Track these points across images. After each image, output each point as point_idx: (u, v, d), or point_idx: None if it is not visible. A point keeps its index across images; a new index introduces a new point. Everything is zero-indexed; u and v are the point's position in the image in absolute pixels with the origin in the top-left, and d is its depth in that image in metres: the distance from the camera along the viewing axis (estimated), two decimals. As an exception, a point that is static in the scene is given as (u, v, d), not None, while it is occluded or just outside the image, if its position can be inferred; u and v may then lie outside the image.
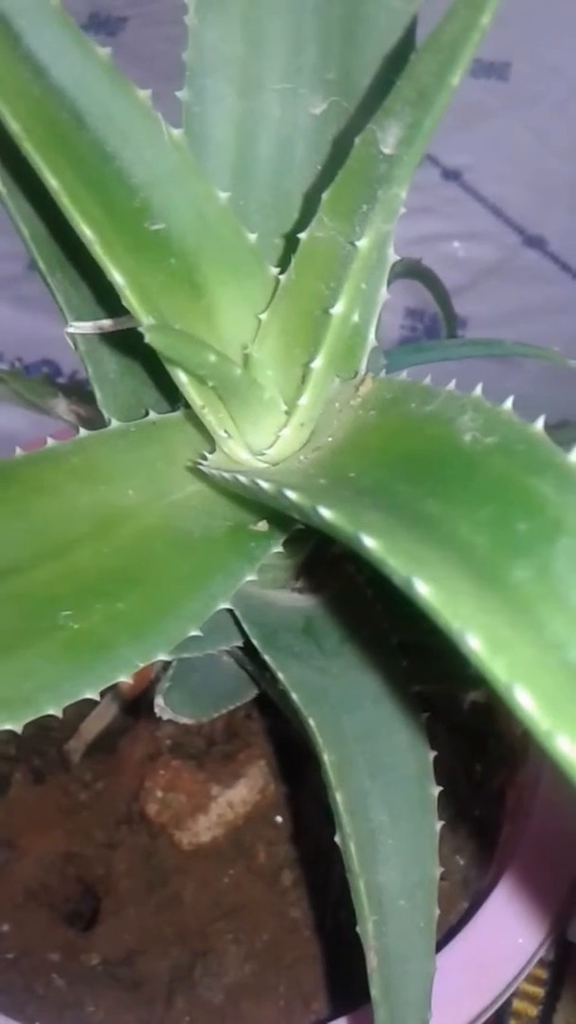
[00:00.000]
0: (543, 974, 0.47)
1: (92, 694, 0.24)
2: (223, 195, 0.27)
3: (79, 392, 0.44)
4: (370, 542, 0.18)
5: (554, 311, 0.86)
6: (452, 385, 0.25)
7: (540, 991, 0.47)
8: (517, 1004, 0.48)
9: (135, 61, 0.68)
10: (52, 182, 0.23)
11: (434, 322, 0.87)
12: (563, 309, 0.86)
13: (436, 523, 0.19)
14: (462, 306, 0.80)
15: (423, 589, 0.17)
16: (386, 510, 0.20)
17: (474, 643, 0.16)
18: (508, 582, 0.17)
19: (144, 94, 0.25)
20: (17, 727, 0.23)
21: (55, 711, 0.24)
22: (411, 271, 0.51)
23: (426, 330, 0.87)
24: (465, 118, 0.93)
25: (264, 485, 0.22)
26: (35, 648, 0.24)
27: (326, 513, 0.19)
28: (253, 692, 0.39)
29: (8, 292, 0.86)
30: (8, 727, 0.23)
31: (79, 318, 0.30)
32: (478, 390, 0.23)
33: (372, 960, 0.27)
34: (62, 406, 0.42)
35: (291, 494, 0.21)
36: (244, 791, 0.45)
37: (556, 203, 0.93)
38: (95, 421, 0.37)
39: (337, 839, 0.29)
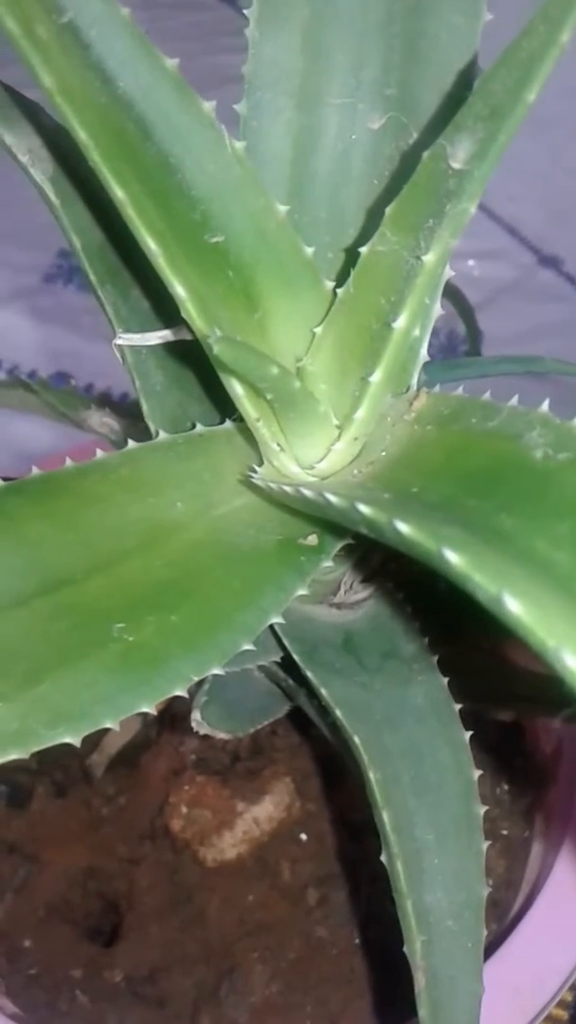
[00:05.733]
0: (568, 996, 0.46)
1: (149, 708, 0.24)
2: (282, 208, 0.27)
3: (108, 404, 0.44)
4: (454, 558, 0.18)
5: (569, 330, 0.86)
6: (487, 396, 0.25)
7: (565, 1014, 0.46)
8: (541, 1027, 0.47)
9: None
10: (118, 193, 0.23)
11: (450, 339, 0.87)
12: (579, 329, 0.86)
13: (512, 539, 0.19)
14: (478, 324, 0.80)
15: (514, 606, 0.16)
16: (460, 526, 0.20)
17: (571, 661, 0.16)
18: (597, 599, 0.17)
19: (209, 106, 0.25)
20: (76, 740, 0.23)
21: (113, 724, 0.23)
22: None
23: (441, 347, 0.87)
24: (481, 138, 0.93)
25: (333, 499, 0.22)
26: (90, 660, 0.24)
27: (403, 528, 0.19)
28: (286, 707, 0.39)
29: (25, 304, 0.86)
30: (68, 740, 0.23)
31: (127, 330, 0.30)
32: (545, 406, 0.22)
33: (420, 981, 0.27)
34: (95, 418, 0.41)
35: (364, 509, 0.21)
36: (270, 808, 0.45)
37: (572, 223, 0.93)
38: (129, 434, 0.36)
39: (383, 858, 0.29)
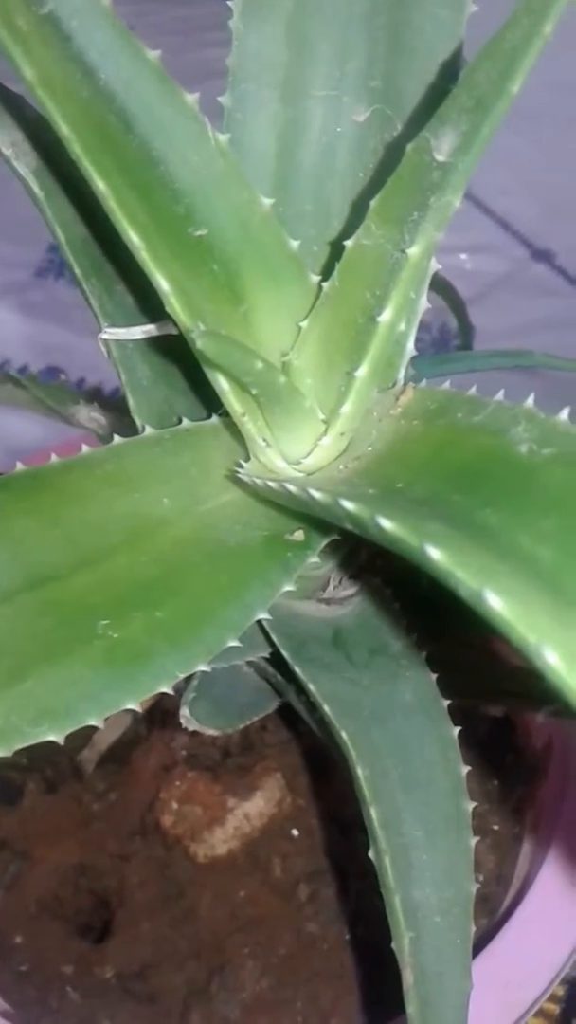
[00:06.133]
0: (560, 991, 0.46)
1: (133, 704, 0.24)
2: (267, 201, 0.27)
3: (98, 399, 0.44)
4: (436, 554, 0.18)
5: (562, 324, 0.86)
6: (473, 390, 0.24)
7: (556, 1008, 0.46)
8: (532, 1021, 0.47)
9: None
10: (100, 185, 0.23)
11: (442, 334, 0.87)
12: (571, 323, 0.86)
13: (496, 534, 0.19)
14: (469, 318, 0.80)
15: (495, 602, 0.16)
16: (444, 521, 0.20)
17: (552, 658, 0.16)
18: (579, 595, 0.17)
19: (192, 98, 0.25)
20: (60, 738, 0.23)
21: (97, 722, 0.23)
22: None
23: (433, 342, 0.86)
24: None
25: (317, 495, 0.22)
26: (75, 657, 0.24)
27: (386, 524, 0.19)
28: (275, 703, 0.39)
29: (15, 299, 0.86)
30: (51, 737, 0.23)
31: (113, 324, 0.30)
32: (530, 401, 0.22)
33: (408, 977, 0.27)
34: (83, 413, 0.41)
35: (348, 504, 0.20)
36: (261, 804, 0.45)
37: (564, 217, 0.93)
38: (116, 429, 0.36)
39: (371, 854, 0.29)
